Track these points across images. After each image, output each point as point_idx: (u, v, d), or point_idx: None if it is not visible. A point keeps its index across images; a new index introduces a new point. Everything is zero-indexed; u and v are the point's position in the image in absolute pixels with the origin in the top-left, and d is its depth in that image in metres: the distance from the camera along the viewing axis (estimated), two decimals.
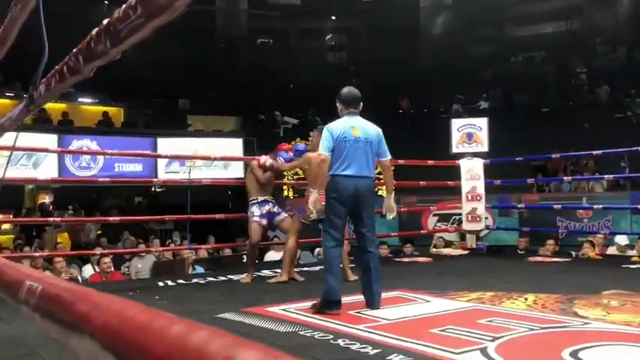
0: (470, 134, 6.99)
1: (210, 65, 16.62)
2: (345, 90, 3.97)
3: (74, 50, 0.96)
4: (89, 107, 13.85)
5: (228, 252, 8.45)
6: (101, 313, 0.60)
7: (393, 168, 4.13)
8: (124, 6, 0.72)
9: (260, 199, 5.24)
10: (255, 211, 5.19)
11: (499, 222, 9.05)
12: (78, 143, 11.33)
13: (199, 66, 15.87)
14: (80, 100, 13.90)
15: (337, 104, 3.97)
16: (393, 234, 7.97)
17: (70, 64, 0.98)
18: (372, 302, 3.69)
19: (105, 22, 0.81)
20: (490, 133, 9.02)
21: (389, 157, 3.97)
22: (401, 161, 7.11)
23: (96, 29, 0.85)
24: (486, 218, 8.99)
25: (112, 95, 14.43)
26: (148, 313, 0.56)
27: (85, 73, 0.98)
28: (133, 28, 0.71)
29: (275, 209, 5.33)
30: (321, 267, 5.84)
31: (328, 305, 3.59)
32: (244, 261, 6.51)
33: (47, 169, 10.16)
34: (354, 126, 3.81)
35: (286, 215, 5.36)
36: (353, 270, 4.81)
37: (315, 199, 3.98)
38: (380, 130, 3.94)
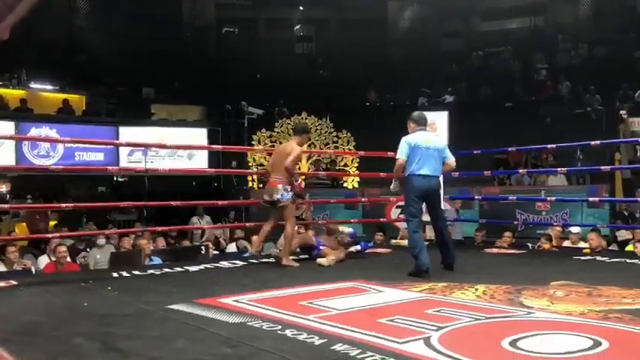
0: (431, 127, 7.03)
1: (176, 54, 16.37)
2: (416, 113, 5.18)
3: None
4: (49, 94, 13.50)
5: (187, 243, 8.37)
6: None
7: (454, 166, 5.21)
8: None
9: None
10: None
11: (460, 214, 9.16)
12: (36, 131, 11.05)
13: (165, 54, 15.63)
14: (40, 86, 13.54)
15: (410, 123, 5.08)
16: (353, 220, 7.97)
17: None
18: (449, 263, 4.93)
19: None
20: (454, 126, 9.07)
21: (452, 159, 5.12)
22: (361, 153, 7.17)
23: None
24: (447, 210, 9.10)
25: (74, 82, 14.09)
26: None
27: None
28: None
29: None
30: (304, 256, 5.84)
31: (419, 274, 4.64)
32: (202, 252, 6.47)
33: (3, 157, 9.89)
34: (425, 138, 4.97)
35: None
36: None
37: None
38: (444, 141, 5.32)
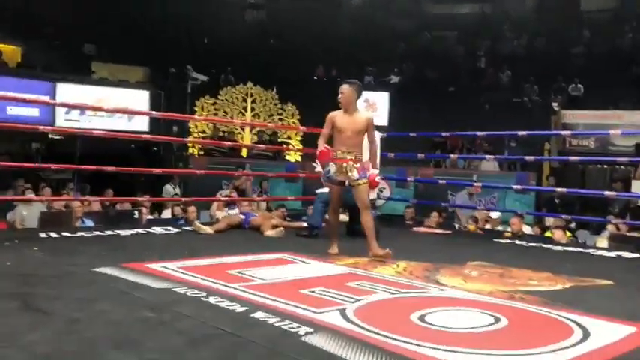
0: (371, 107, 7.23)
1: (122, 10, 15.78)
2: None
3: None
4: None
5: (128, 206, 8.25)
6: None
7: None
8: None
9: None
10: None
11: (396, 193, 9.49)
12: None
13: (110, 10, 15.04)
14: None
15: None
16: (290, 198, 8.11)
17: None
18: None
19: None
20: (398, 106, 9.30)
21: None
22: (302, 128, 7.25)
23: None
24: (384, 189, 9.39)
25: (9, 32, 13.38)
26: None
27: None
28: None
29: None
30: None
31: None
32: (135, 217, 6.44)
33: None
34: None
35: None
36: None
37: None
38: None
